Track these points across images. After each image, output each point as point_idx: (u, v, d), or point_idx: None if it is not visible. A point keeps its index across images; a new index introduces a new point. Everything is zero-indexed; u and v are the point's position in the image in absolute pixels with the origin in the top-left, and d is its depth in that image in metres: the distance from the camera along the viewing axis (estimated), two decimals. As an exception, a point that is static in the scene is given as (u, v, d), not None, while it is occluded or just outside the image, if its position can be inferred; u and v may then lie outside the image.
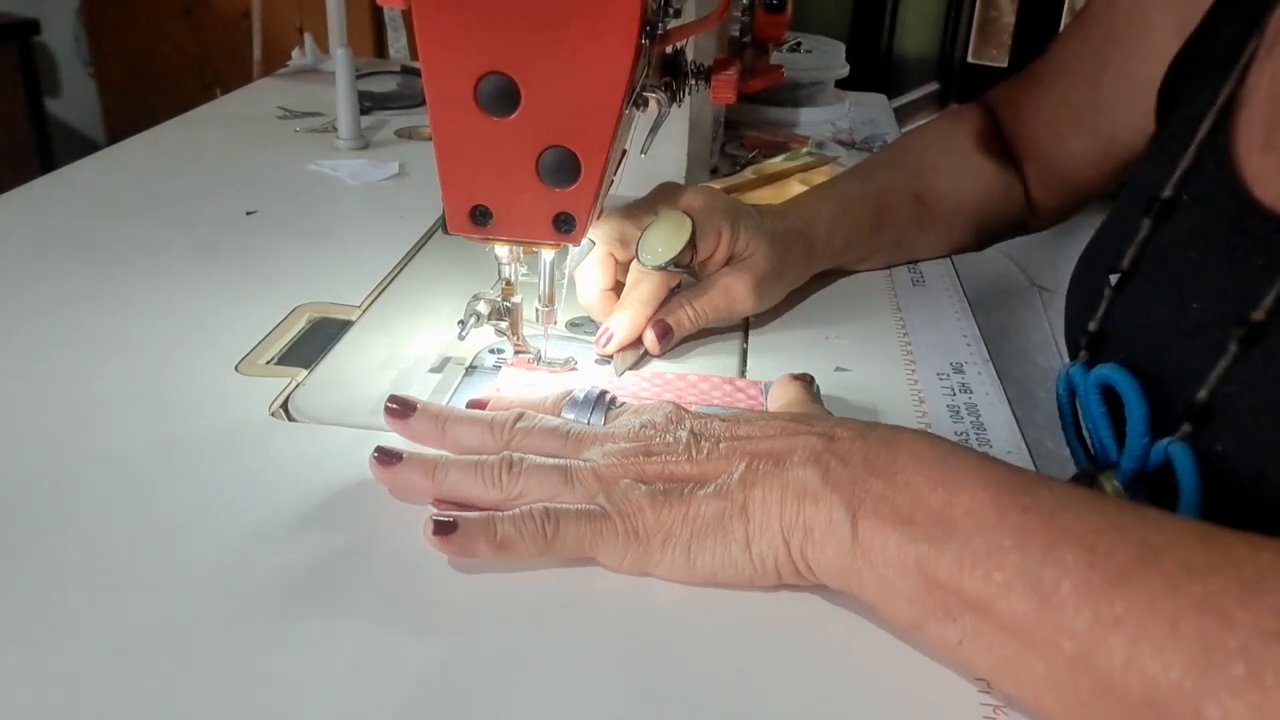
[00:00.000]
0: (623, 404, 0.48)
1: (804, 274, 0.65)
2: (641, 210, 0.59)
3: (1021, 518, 0.33)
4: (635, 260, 0.57)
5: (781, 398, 0.49)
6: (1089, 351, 0.55)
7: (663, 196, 0.60)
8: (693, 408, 0.45)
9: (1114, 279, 0.54)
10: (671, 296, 0.58)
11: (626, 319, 0.56)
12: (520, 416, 0.45)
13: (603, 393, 0.47)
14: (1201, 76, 0.54)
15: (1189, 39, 0.57)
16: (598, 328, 0.57)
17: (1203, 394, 0.46)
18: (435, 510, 0.41)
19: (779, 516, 0.38)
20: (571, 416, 0.46)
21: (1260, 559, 0.31)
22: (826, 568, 0.37)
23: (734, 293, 0.59)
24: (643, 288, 0.57)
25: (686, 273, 0.58)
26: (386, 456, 0.42)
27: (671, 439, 0.42)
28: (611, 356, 0.57)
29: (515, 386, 0.53)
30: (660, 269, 0.56)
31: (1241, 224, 0.47)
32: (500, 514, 0.39)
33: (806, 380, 0.50)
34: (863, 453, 0.38)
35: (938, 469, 0.36)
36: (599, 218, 0.56)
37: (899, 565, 0.35)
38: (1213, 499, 0.45)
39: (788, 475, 0.38)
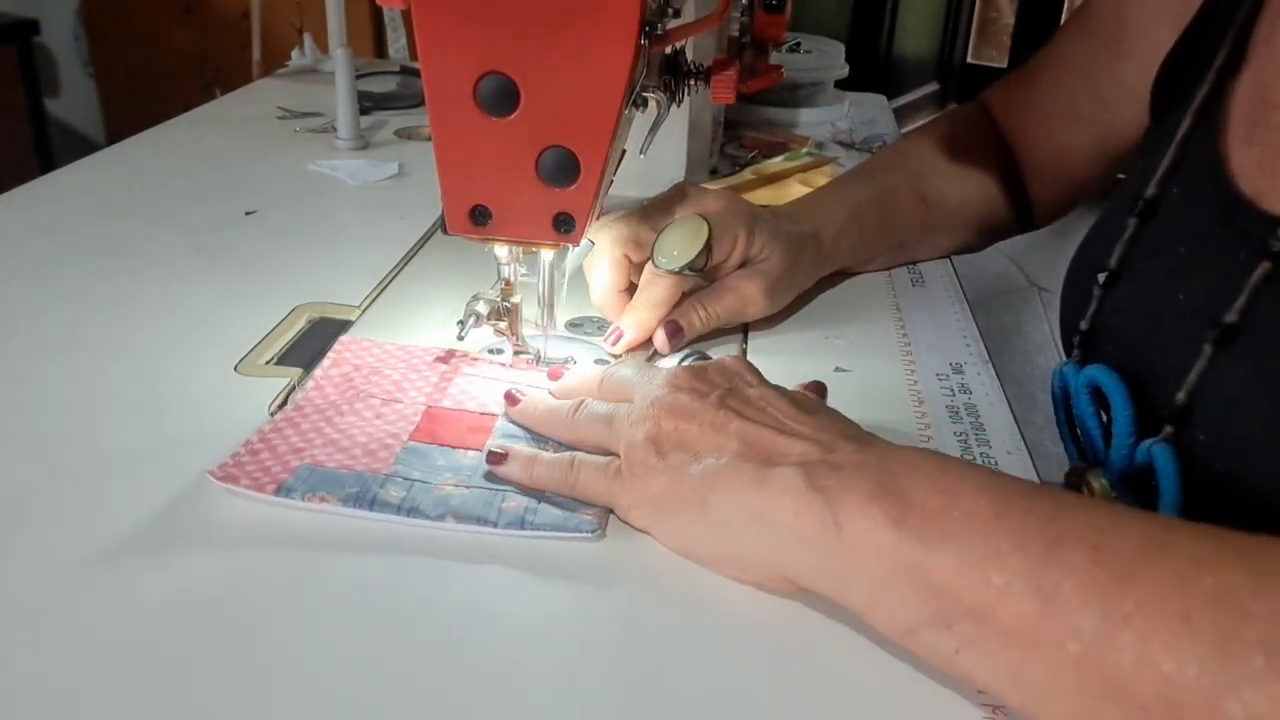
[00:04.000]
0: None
1: (814, 277, 0.65)
2: (658, 212, 0.59)
3: (1021, 520, 0.33)
4: (650, 262, 0.57)
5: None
6: (1081, 350, 0.55)
7: (679, 198, 0.60)
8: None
9: (1102, 278, 0.54)
10: (683, 299, 0.58)
11: (637, 320, 0.56)
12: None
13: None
14: (1192, 75, 0.55)
15: (1181, 38, 0.57)
16: (606, 327, 0.57)
17: (1181, 396, 0.46)
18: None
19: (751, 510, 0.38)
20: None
21: (1271, 550, 0.30)
22: (809, 572, 0.36)
23: (746, 295, 0.59)
24: (655, 290, 0.56)
25: (699, 276, 0.58)
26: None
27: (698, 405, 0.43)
28: (619, 356, 0.56)
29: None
30: (674, 273, 0.56)
31: (1226, 217, 0.48)
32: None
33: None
34: (857, 460, 0.37)
35: (935, 476, 0.35)
36: (600, 217, 0.56)
37: (890, 569, 0.34)
38: (1194, 499, 0.46)
39: (769, 473, 0.38)
